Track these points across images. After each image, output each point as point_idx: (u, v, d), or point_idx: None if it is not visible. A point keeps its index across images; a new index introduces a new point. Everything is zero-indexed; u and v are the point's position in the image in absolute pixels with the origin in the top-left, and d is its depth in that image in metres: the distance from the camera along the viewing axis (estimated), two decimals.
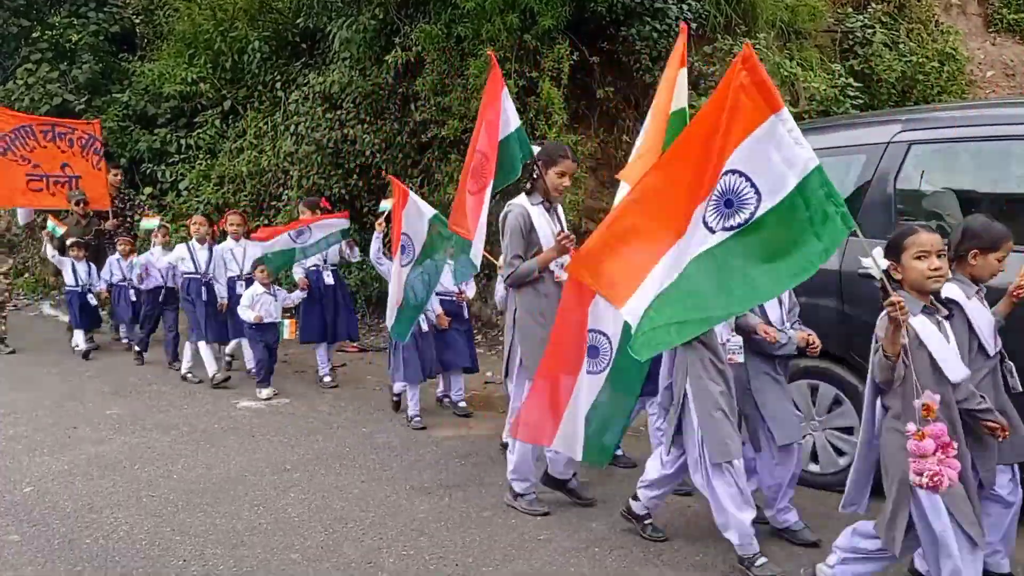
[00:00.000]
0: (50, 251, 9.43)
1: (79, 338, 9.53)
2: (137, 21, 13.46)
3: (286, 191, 10.46)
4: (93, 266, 9.67)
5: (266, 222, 10.82)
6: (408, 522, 4.67)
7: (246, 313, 7.43)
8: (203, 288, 8.10)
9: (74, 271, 9.50)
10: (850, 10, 11.34)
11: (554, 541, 4.41)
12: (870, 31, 10.90)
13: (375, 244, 6.95)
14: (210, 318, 8.10)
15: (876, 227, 4.82)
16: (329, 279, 8.04)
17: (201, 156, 11.93)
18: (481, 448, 5.98)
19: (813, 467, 5.04)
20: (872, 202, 4.90)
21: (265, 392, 7.44)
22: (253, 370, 7.95)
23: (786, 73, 9.55)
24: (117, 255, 9.57)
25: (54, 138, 9.92)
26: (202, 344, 8.08)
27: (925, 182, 4.92)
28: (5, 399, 7.49)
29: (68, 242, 9.52)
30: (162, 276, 8.56)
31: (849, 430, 4.85)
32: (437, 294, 6.53)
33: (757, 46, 9.34)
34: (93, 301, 9.56)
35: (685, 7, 9.15)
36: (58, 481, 5.40)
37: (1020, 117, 4.72)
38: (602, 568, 4.10)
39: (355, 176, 10.21)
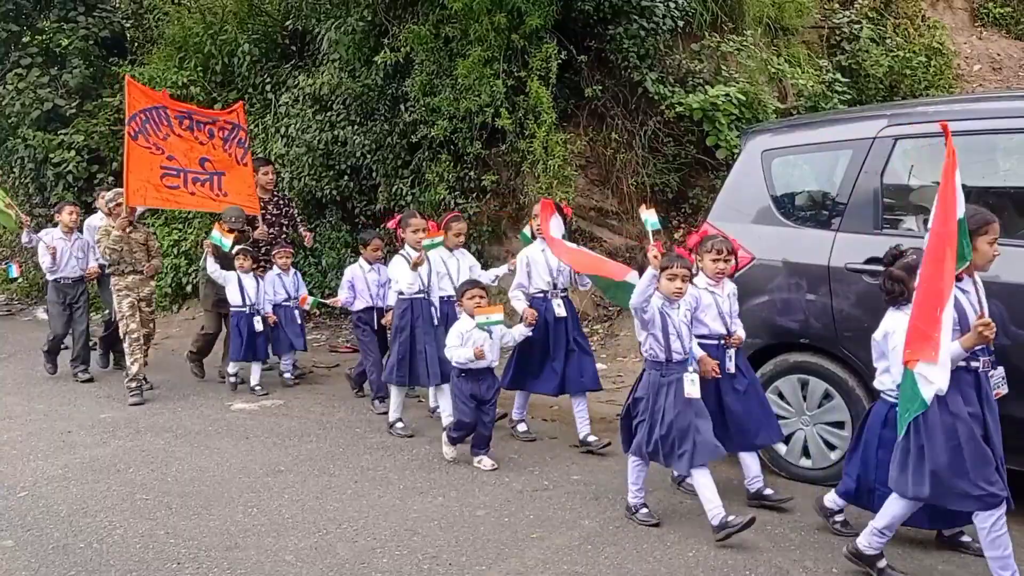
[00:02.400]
0: (211, 265, 7.72)
1: (255, 376, 7.81)
2: (127, 25, 13.44)
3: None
4: (262, 281, 8.01)
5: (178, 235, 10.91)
6: (401, 522, 4.69)
7: (458, 353, 5.49)
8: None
9: (241, 287, 7.79)
10: (837, 6, 11.40)
11: (547, 539, 4.44)
12: (857, 27, 10.96)
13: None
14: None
15: (863, 222, 4.87)
16: (560, 310, 5.98)
17: None
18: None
19: (805, 462, 5.07)
20: (859, 197, 4.93)
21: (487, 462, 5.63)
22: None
23: (773, 70, 9.60)
24: (278, 270, 8.19)
25: (191, 127, 8.18)
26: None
27: (912, 177, 4.96)
28: None
29: (233, 250, 7.75)
30: (370, 295, 7.24)
31: (840, 424, 4.88)
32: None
33: (744, 43, 9.40)
34: (259, 326, 7.79)
35: (671, 5, 9.18)
36: (52, 485, 5.41)
37: (1007, 111, 4.74)
38: (595, 565, 4.13)
39: (346, 177, 10.25)
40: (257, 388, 7.67)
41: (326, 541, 4.47)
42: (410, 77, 9.31)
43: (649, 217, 4.74)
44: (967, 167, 5.00)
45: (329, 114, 10.15)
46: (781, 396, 5.12)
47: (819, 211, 5.29)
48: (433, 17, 9.10)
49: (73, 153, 12.29)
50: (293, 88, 10.59)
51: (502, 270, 6.58)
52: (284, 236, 8.60)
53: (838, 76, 10.24)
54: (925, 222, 4.36)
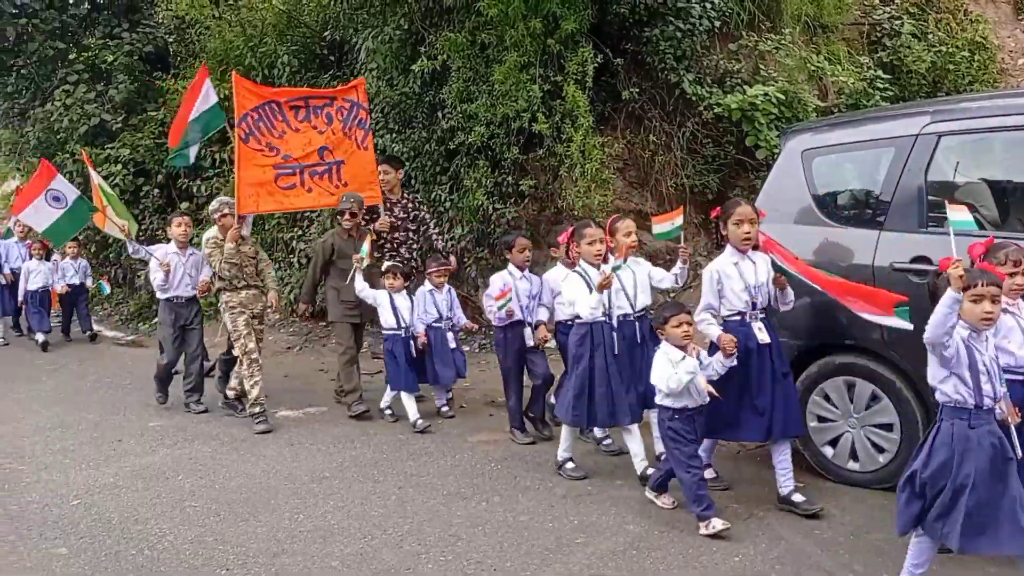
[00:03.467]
0: (359, 283, 6.88)
1: (411, 408, 6.80)
2: (170, 40, 13.66)
3: None
4: (415, 300, 7.12)
5: (300, 233, 10.97)
6: (446, 528, 4.71)
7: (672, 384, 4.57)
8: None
9: (394, 308, 6.96)
10: (877, 2, 11.26)
11: (591, 544, 4.43)
12: (898, 22, 10.83)
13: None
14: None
15: (908, 221, 4.80)
16: (763, 335, 5.06)
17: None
18: (517, 452, 6.01)
19: (852, 465, 5.00)
20: (903, 196, 4.87)
21: None
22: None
23: (813, 68, 9.51)
24: (430, 286, 7.12)
25: (309, 115, 7.41)
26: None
27: (957, 174, 4.88)
28: (51, 414, 7.66)
29: (383, 267, 7.18)
30: (521, 308, 6.25)
31: (888, 427, 4.81)
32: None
33: (782, 42, 9.32)
34: (417, 346, 6.91)
35: (708, 5, 9.14)
36: (104, 493, 5.52)
37: None
38: (641, 571, 4.12)
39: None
40: (419, 422, 6.67)
41: (371, 547, 4.51)
42: (447, 84, 9.35)
43: (959, 216, 3.79)
44: (1012, 163, 4.96)
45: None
46: (827, 398, 5.06)
47: (862, 210, 5.23)
48: (469, 24, 9.13)
49: (120, 167, 12.51)
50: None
51: (679, 269, 5.45)
52: (410, 243, 7.85)
53: (879, 73, 10.12)
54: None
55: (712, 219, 4.99)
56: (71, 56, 13.23)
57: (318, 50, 11.46)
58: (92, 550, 4.63)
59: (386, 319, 6.94)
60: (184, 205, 12.36)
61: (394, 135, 9.98)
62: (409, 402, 6.82)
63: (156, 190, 12.72)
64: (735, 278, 4.77)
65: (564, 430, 5.49)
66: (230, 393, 7.52)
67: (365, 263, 6.86)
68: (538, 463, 5.70)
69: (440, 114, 9.62)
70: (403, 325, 6.91)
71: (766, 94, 8.59)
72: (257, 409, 6.98)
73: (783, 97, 8.65)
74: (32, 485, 5.74)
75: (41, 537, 4.82)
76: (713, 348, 4.76)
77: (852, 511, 4.58)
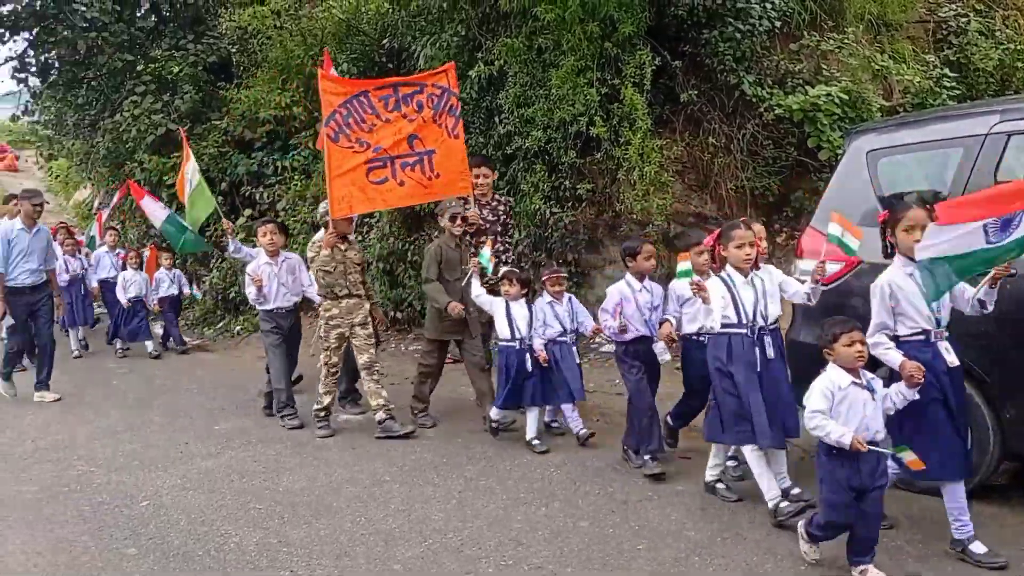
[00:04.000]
0: (476, 288, 6.50)
1: (531, 424, 6.31)
2: (233, 51, 13.93)
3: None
4: (533, 312, 6.45)
5: (359, 238, 11.08)
6: (506, 532, 4.72)
7: (832, 430, 3.91)
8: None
9: (510, 317, 6.37)
10: None
11: (653, 551, 4.40)
12: (964, 20, 10.58)
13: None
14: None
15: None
16: (951, 356, 4.56)
17: (296, 177, 12.26)
18: (577, 457, 6.00)
19: None
20: None
21: None
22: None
23: (877, 67, 9.34)
24: (548, 298, 6.46)
25: (399, 104, 6.92)
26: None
27: None
28: (120, 416, 7.84)
29: (499, 272, 6.69)
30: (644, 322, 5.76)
31: None
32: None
33: (845, 41, 9.17)
34: (537, 362, 6.25)
35: (768, 5, 9.03)
36: (172, 495, 5.64)
37: None
38: None
39: None
40: (536, 443, 6.20)
41: (432, 551, 4.54)
42: (504, 89, 9.39)
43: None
44: None
45: None
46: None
47: (929, 212, 5.11)
48: (526, 29, 9.16)
49: None
50: None
51: (810, 288, 4.82)
52: (497, 247, 7.25)
53: (946, 71, 9.90)
54: None
55: (880, 224, 4.44)
56: (139, 68, 13.57)
57: (377, 57, 11.59)
58: (161, 550, 4.73)
59: (501, 329, 6.40)
60: (247, 212, 12.59)
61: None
62: (531, 417, 6.31)
63: (220, 197, 12.93)
64: (911, 291, 4.17)
65: (751, 457, 4.75)
66: (380, 415, 6.79)
67: (490, 271, 6.46)
68: (598, 468, 5.68)
69: (497, 119, 9.65)
70: (519, 336, 6.31)
71: (829, 94, 8.47)
72: (322, 414, 6.93)
73: (846, 97, 8.51)
74: (103, 486, 5.88)
75: (112, 538, 4.93)
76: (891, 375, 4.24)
77: (919, 519, 4.48)
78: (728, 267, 4.85)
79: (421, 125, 6.95)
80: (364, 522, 4.98)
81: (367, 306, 7.02)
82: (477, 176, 7.23)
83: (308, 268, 7.24)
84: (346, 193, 6.77)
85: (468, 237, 7.10)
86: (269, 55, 12.86)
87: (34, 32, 14.32)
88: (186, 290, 12.08)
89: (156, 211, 10.13)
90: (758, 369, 4.67)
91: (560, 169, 9.27)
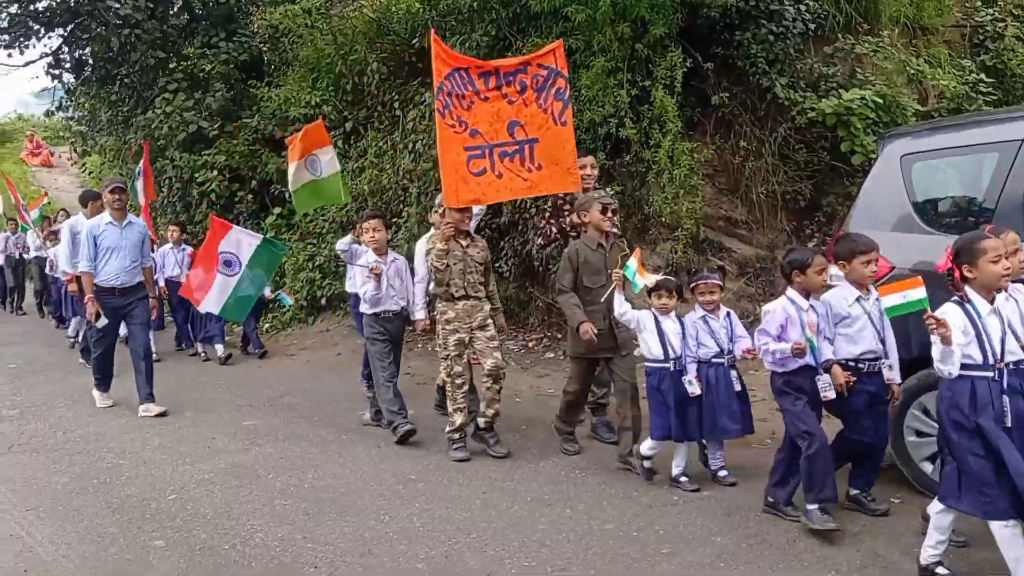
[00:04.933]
0: (621, 304, 5.42)
1: (678, 460, 5.44)
2: (264, 49, 14.01)
3: (406, 208, 10.69)
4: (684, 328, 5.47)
5: (388, 238, 11.10)
6: (530, 534, 4.70)
7: None
8: None
9: (661, 334, 5.40)
10: (979, 3, 10.86)
11: (678, 555, 4.37)
12: (1001, 25, 10.44)
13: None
14: None
15: (1013, 228, 4.61)
16: None
17: None
18: (602, 460, 5.96)
19: None
20: (1008, 202, 4.70)
21: None
22: None
23: (912, 71, 9.23)
24: (700, 312, 5.51)
25: (500, 82, 6.10)
26: None
27: None
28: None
29: (649, 281, 5.50)
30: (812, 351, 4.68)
31: None
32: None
33: (880, 44, 9.08)
34: (694, 389, 5.29)
35: (802, 7, 8.95)
36: (199, 489, 5.67)
37: None
38: None
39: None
40: (684, 480, 5.35)
41: (455, 550, 4.53)
42: None
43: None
44: None
45: None
46: (926, 412, 4.88)
47: (964, 217, 5.05)
48: (556, 29, 9.14)
49: (215, 173, 12.88)
50: (420, 104, 10.81)
51: None
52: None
53: (982, 76, 9.76)
54: None
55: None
56: (171, 65, 13.70)
57: (407, 57, 11.60)
58: (187, 543, 4.76)
59: (651, 348, 5.42)
60: (276, 210, 12.67)
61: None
62: (681, 451, 5.45)
63: (249, 195, 13.04)
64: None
65: (936, 517, 3.98)
66: (481, 421, 6.27)
67: (640, 285, 5.40)
68: (624, 471, 5.64)
69: None
70: (672, 356, 5.37)
71: (863, 98, 8.38)
72: (456, 436, 6.16)
73: (881, 101, 8.41)
74: (132, 479, 5.94)
75: (140, 530, 4.97)
76: None
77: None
78: (970, 290, 3.85)
79: (522, 109, 6.11)
80: (388, 520, 4.99)
81: (487, 307, 6.28)
82: (583, 167, 6.40)
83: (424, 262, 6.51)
84: (454, 182, 6.04)
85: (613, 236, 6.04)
86: (300, 54, 12.93)
87: (69, 29, 14.50)
88: (267, 292, 10.63)
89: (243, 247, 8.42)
90: (1007, 422, 3.73)
91: None
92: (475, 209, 6.55)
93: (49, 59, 15.21)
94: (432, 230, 6.83)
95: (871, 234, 4.98)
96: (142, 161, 11.86)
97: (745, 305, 8.26)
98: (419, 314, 6.75)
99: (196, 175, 12.91)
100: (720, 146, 9.28)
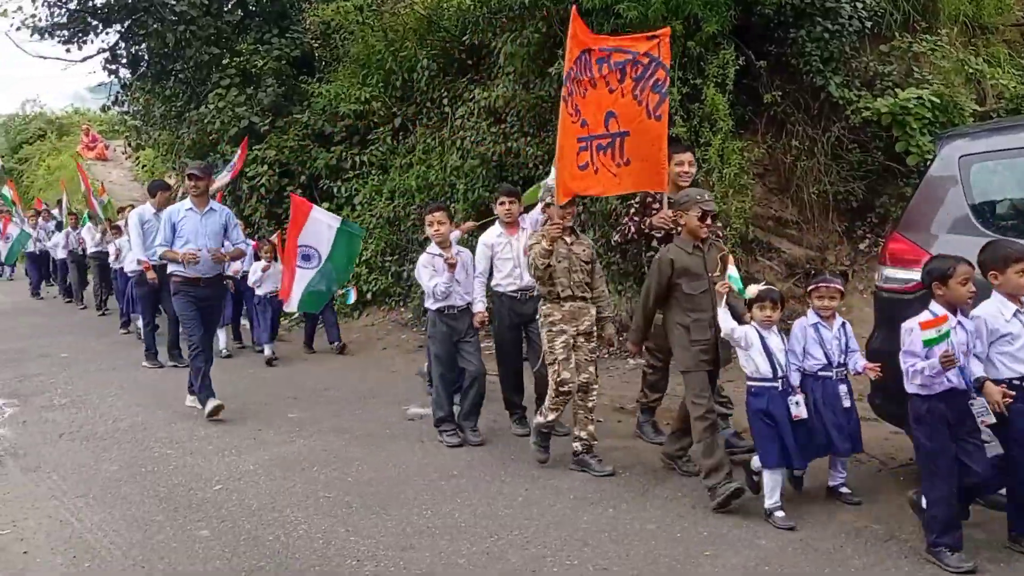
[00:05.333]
0: (727, 319, 4.87)
1: (775, 492, 4.74)
2: (316, 45, 14.17)
3: (453, 204, 10.72)
4: (792, 336, 5.08)
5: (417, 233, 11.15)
6: (572, 532, 4.68)
7: None
8: None
9: (767, 349, 4.83)
10: None
11: (721, 557, 4.31)
12: None
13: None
14: None
15: None
16: None
17: (374, 172, 12.41)
18: (645, 460, 5.91)
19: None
20: None
21: None
22: None
23: (971, 70, 9.03)
24: (812, 318, 5.02)
25: (610, 68, 5.64)
26: None
27: None
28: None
29: (751, 291, 4.90)
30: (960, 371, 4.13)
31: None
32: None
33: (939, 43, 8.89)
34: (797, 411, 4.76)
35: (859, 5, 8.79)
36: (244, 480, 5.73)
37: None
38: None
39: (519, 188, 10.35)
40: (779, 516, 4.68)
41: (497, 547, 4.52)
42: None
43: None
44: None
45: (503, 126, 10.31)
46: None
47: (1023, 219, 4.92)
48: (608, 26, 9.07)
49: (265, 167, 13.02)
50: (469, 101, 10.84)
51: None
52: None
53: None
54: None
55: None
56: (224, 61, 13.89)
57: (457, 54, 11.64)
58: (232, 533, 4.81)
59: (758, 366, 4.83)
60: (324, 206, 12.75)
61: (528, 139, 10.02)
62: (774, 479, 4.76)
63: (299, 190, 13.17)
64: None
65: None
66: (578, 445, 5.73)
67: (748, 294, 4.89)
68: (668, 473, 5.58)
69: None
70: (780, 374, 4.83)
71: (919, 97, 8.20)
72: (545, 429, 5.82)
73: (938, 101, 8.23)
74: (179, 469, 6.02)
75: (186, 519, 5.04)
76: None
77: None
78: None
79: (618, 99, 5.64)
80: (430, 515, 4.99)
81: (594, 312, 5.80)
82: (681, 163, 6.02)
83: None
84: (567, 174, 5.58)
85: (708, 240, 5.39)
86: (351, 50, 13.04)
87: (126, 25, 14.77)
88: (335, 287, 10.09)
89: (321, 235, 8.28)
90: None
91: None
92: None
93: (106, 55, 15.53)
94: (497, 224, 6.61)
95: (926, 236, 4.89)
96: (236, 158, 12.04)
97: (794, 306, 8.14)
98: (478, 306, 6.53)
99: (247, 169, 13.07)
100: (771, 145, 9.15)
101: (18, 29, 14.75)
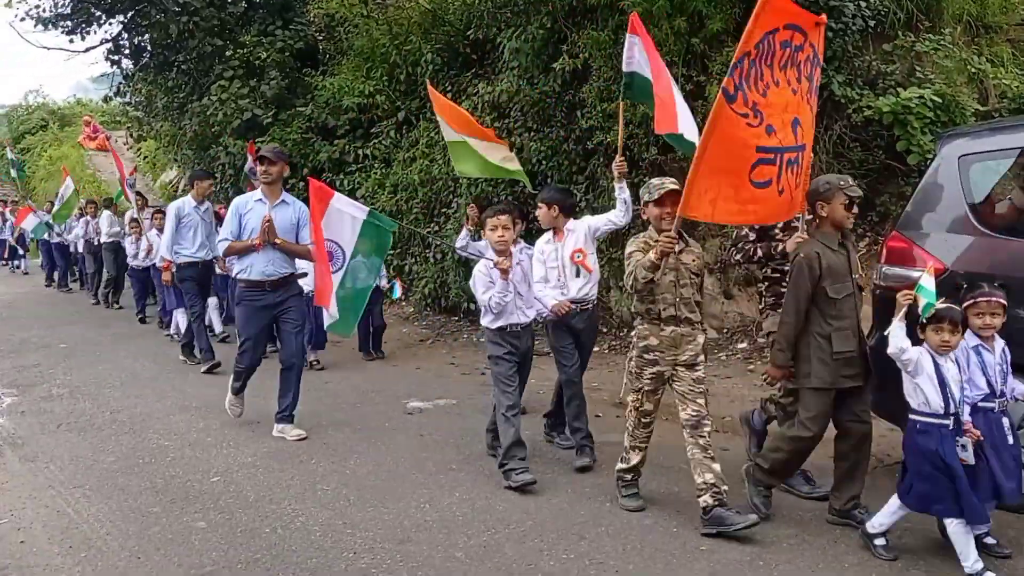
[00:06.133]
0: (899, 336, 4.07)
1: (970, 552, 3.97)
2: (320, 38, 14.16)
3: (456, 198, 10.73)
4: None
5: (436, 228, 11.15)
6: (569, 526, 4.69)
7: None
8: None
9: (940, 378, 4.06)
10: None
11: (717, 552, 4.32)
12: None
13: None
14: None
15: None
16: None
17: (376, 165, 12.41)
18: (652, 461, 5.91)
19: None
20: None
21: None
22: None
23: (974, 70, 9.01)
24: (973, 340, 4.24)
25: (790, 59, 4.30)
26: None
27: None
28: (197, 394, 8.04)
29: (930, 311, 4.05)
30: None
31: None
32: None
33: (942, 42, 8.88)
34: (968, 457, 4.02)
35: (862, 4, 8.77)
36: (242, 472, 5.75)
37: None
38: None
39: (521, 183, 10.36)
40: (880, 544, 4.24)
41: (495, 541, 4.53)
42: (588, 83, 9.32)
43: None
44: None
45: (507, 121, 10.31)
46: None
47: (1022, 219, 4.92)
48: (612, 23, 9.07)
49: None
50: (473, 96, 10.83)
51: None
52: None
53: None
54: None
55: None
56: (227, 53, 13.89)
57: (461, 48, 11.63)
58: (229, 525, 4.82)
59: (928, 398, 4.07)
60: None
61: (532, 134, 10.02)
62: (967, 537, 3.99)
63: (301, 183, 13.16)
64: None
65: None
66: (706, 500, 4.57)
67: (927, 312, 4.06)
68: (665, 467, 5.59)
69: (579, 113, 9.60)
70: (953, 409, 4.03)
71: (921, 97, 8.19)
72: (628, 476, 4.99)
73: (940, 100, 8.21)
74: (177, 460, 6.03)
75: (183, 510, 5.05)
76: None
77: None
78: None
79: (800, 103, 4.43)
80: (428, 509, 5.00)
81: (701, 339, 4.75)
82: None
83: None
84: (713, 185, 4.21)
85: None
86: (355, 43, 13.03)
87: (129, 15, 14.80)
88: (382, 282, 9.72)
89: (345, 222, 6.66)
90: None
91: (640, 166, 9.16)
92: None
93: (109, 45, 15.56)
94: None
95: (924, 235, 4.89)
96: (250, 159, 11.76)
97: None
98: (550, 302, 5.67)
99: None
100: None
101: (22, 19, 14.78)
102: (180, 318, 10.48)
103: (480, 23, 10.86)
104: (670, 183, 4.63)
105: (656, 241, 4.50)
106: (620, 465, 5.01)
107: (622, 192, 5.85)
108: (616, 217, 5.93)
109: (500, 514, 4.89)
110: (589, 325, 5.93)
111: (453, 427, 6.76)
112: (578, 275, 5.77)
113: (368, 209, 6.71)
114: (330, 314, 6.58)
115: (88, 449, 6.34)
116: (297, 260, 6.78)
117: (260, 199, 6.52)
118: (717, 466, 4.57)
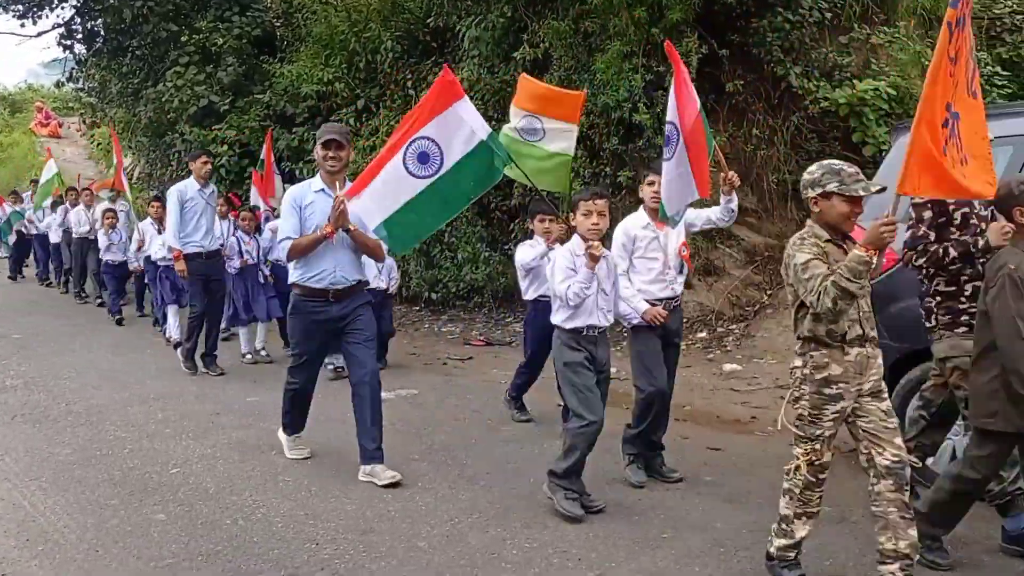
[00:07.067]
0: None
1: None
2: (277, 24, 14.00)
3: None
4: None
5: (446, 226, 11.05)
6: (532, 515, 4.71)
7: None
8: None
9: None
10: None
11: (679, 540, 4.37)
12: (1019, 18, 10.36)
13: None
14: None
15: None
16: None
17: None
18: (605, 444, 5.93)
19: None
20: None
21: None
22: None
23: (927, 62, 9.16)
24: None
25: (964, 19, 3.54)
26: None
27: None
28: (155, 385, 7.93)
29: None
30: None
31: None
32: None
33: (896, 35, 9.03)
34: None
35: None
36: (202, 464, 5.69)
37: None
38: (728, 569, 4.05)
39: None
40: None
41: (457, 530, 4.54)
42: (548, 73, 9.33)
43: None
44: None
45: None
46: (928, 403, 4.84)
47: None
48: (572, 12, 9.10)
49: (226, 148, 12.87)
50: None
51: None
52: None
53: (998, 69, 9.69)
54: None
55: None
56: (183, 38, 13.68)
57: (421, 36, 11.58)
58: (188, 517, 4.77)
59: None
60: (285, 187, 12.62)
61: (494, 123, 9.97)
62: None
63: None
64: None
65: None
66: (897, 570, 3.56)
67: None
68: (615, 452, 5.63)
69: None
70: None
71: (876, 89, 8.33)
72: (791, 554, 3.81)
73: (894, 92, 8.37)
74: (135, 452, 5.95)
75: (141, 503, 4.99)
76: None
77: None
78: None
79: (957, 68, 3.60)
80: (391, 499, 4.99)
81: (880, 358, 3.72)
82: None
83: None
84: (924, 156, 3.51)
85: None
86: (313, 30, 12.90)
87: (81, 0, 14.47)
88: (394, 285, 8.81)
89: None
90: None
91: (601, 156, 9.20)
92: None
93: (61, 30, 15.26)
94: (641, 210, 5.29)
95: None
96: (264, 149, 11.22)
97: (752, 293, 8.25)
98: (643, 304, 5.04)
99: (212, 147, 12.89)
100: (733, 134, 9.24)
101: None
102: (172, 315, 9.71)
103: (440, 11, 10.83)
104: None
105: (827, 240, 3.63)
106: (779, 542, 3.80)
107: (731, 203, 5.33)
108: (716, 217, 5.46)
109: (463, 504, 4.90)
110: (679, 323, 5.37)
111: (415, 417, 6.76)
112: (681, 271, 5.29)
113: (491, 131, 5.25)
114: (354, 204, 5.06)
115: (43, 441, 6.23)
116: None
117: (321, 189, 5.32)
118: (914, 532, 3.57)
